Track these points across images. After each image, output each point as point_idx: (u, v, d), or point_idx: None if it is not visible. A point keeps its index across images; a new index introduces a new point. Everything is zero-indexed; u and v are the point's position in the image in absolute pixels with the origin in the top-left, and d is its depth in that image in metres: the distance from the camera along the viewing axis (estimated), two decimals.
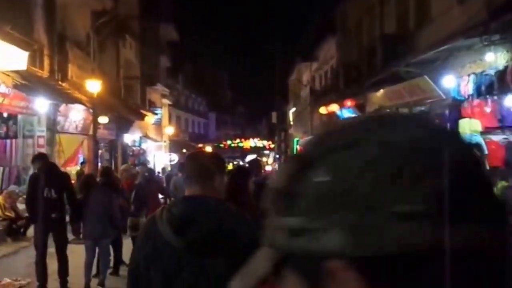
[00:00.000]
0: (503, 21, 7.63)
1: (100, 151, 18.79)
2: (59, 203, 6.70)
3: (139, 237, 2.15)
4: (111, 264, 7.70)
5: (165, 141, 31.36)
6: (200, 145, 39.26)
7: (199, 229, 1.90)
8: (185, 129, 43.86)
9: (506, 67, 8.19)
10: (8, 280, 7.11)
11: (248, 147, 41.46)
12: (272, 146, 42.58)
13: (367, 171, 0.42)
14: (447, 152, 0.42)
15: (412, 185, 0.41)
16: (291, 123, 37.23)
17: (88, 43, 19.63)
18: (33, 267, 6.76)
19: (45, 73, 14.77)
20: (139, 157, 23.20)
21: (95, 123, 16.32)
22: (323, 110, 20.40)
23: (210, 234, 1.91)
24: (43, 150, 13.51)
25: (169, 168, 23.80)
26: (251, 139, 46.66)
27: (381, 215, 0.41)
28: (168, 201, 11.52)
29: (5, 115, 12.19)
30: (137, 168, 10.51)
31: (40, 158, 7.20)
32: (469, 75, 9.27)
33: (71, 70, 16.95)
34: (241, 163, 23.01)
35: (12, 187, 11.75)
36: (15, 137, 12.86)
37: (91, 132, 16.73)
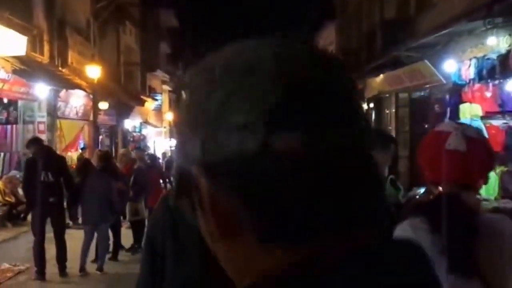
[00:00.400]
0: (507, 3, 7.56)
1: (100, 137, 18.80)
2: (57, 187, 6.64)
3: (155, 212, 2.20)
4: (110, 249, 7.73)
5: (165, 127, 31.36)
6: None
7: None
8: None
9: (508, 51, 8.14)
10: (7, 265, 7.12)
11: None
12: None
13: (213, 91, 0.50)
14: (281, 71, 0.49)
15: (247, 102, 0.48)
16: None
17: (88, 29, 19.53)
18: (32, 252, 6.76)
19: (45, 59, 14.72)
20: (139, 142, 23.21)
21: (95, 109, 16.32)
22: None
23: None
24: (43, 136, 13.53)
25: (169, 154, 23.83)
26: None
27: (223, 126, 0.48)
28: (168, 186, 11.56)
29: (5, 101, 12.19)
30: (133, 152, 10.45)
31: (35, 143, 7.10)
32: (470, 60, 9.23)
33: (71, 56, 16.89)
34: None
35: (13, 172, 11.78)
36: (16, 122, 12.87)
37: (91, 118, 16.74)
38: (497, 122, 8.81)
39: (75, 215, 7.33)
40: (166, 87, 33.02)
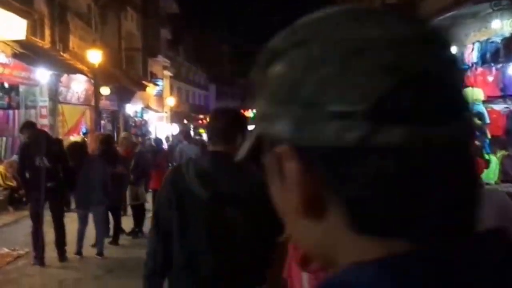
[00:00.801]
0: None
1: (102, 122, 18.79)
2: (53, 171, 6.45)
3: (164, 184, 2.27)
4: (111, 233, 7.73)
5: (166, 112, 31.35)
6: (201, 116, 39.48)
7: (223, 183, 2.08)
8: (186, 100, 43.77)
9: None
10: (7, 250, 7.09)
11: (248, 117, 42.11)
12: None
13: (312, 70, 0.45)
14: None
15: (350, 88, 0.43)
16: None
17: (90, 14, 19.44)
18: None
19: (46, 44, 14.67)
20: (141, 127, 23.22)
21: (97, 94, 16.28)
22: None
23: (232, 188, 2.09)
24: (45, 121, 13.55)
25: (171, 139, 23.87)
26: (250, 110, 46.94)
27: (321, 112, 0.44)
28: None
29: (6, 85, 12.16)
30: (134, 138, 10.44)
31: (29, 127, 6.89)
32: (473, 43, 9.16)
33: (73, 41, 16.83)
34: None
35: (15, 157, 11.78)
36: (18, 107, 12.85)
37: (93, 103, 16.72)
38: (498, 107, 8.78)
39: (68, 200, 7.20)
40: (167, 73, 32.95)
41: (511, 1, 7.91)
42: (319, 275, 1.72)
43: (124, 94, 20.88)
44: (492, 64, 8.80)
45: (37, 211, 6.53)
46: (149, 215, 7.71)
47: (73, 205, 7.23)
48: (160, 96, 29.88)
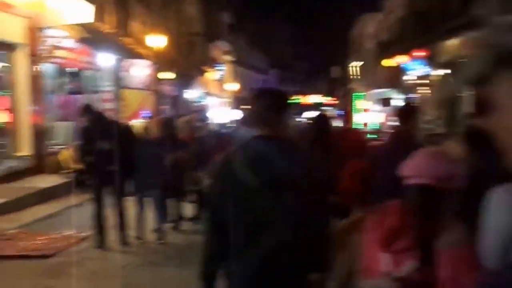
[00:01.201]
0: None
1: (163, 107, 18.94)
2: (114, 155, 6.34)
3: (214, 174, 2.28)
4: (171, 218, 7.61)
5: (227, 97, 31.36)
6: None
7: (273, 168, 2.05)
8: (246, 85, 43.80)
9: None
10: (71, 232, 7.15)
11: (306, 103, 40.88)
12: (331, 102, 41.80)
13: None
14: None
15: None
16: (354, 77, 36.05)
17: None
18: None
19: (108, 28, 14.83)
20: (201, 112, 23.29)
21: (158, 79, 16.37)
22: (387, 62, 19.41)
23: (283, 172, 2.05)
24: (108, 105, 13.73)
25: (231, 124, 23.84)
26: (309, 95, 46.08)
27: None
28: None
29: (70, 70, 12.36)
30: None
31: (89, 111, 6.85)
32: None
33: (134, 26, 16.95)
34: (297, 119, 22.64)
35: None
36: (81, 92, 13.07)
37: (154, 88, 16.83)
38: None
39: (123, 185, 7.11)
40: (227, 57, 32.90)
41: None
42: (401, 256, 1.73)
43: (184, 79, 20.96)
44: None
45: (98, 194, 6.53)
46: None
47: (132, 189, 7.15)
48: (220, 81, 29.89)
